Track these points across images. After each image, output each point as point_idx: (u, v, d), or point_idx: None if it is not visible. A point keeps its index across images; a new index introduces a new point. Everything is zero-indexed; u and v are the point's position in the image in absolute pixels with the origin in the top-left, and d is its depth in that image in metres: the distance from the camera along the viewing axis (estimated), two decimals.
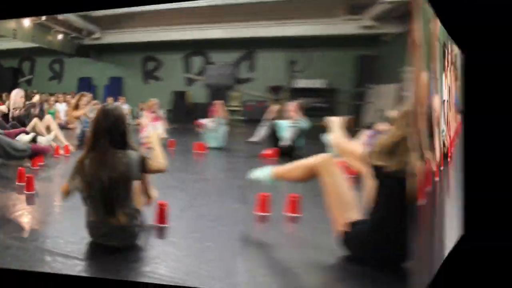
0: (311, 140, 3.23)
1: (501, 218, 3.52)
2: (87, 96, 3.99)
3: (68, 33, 3.94)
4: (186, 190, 3.46)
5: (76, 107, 4.01)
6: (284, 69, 3.73)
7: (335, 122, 2.82)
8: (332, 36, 3.52)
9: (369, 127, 3.15)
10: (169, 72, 3.99)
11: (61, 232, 2.77)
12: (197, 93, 4.02)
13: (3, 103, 4.06)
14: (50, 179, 3.90)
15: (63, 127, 4.09)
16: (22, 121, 4.00)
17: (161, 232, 2.75)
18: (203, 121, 4.08)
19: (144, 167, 2.58)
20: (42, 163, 3.95)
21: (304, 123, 3.83)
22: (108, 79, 4.03)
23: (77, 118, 3.99)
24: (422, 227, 2.92)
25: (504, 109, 3.71)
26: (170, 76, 3.99)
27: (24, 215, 3.22)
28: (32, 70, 4.03)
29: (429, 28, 3.66)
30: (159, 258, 2.39)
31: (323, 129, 2.90)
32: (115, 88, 4.03)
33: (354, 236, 2.43)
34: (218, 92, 3.93)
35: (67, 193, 2.61)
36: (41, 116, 4.00)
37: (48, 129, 3.96)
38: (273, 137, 3.92)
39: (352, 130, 3.02)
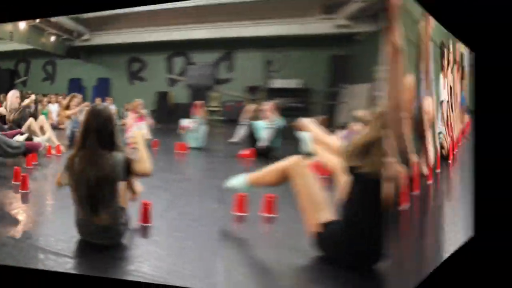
0: (287, 140, 3.23)
1: None
2: (78, 97, 4.08)
3: (60, 35, 4.02)
4: (169, 190, 3.53)
5: (67, 107, 4.11)
6: (261, 69, 3.72)
7: (309, 123, 2.84)
8: (307, 35, 3.50)
9: (343, 127, 3.13)
10: (153, 72, 4.04)
11: (53, 230, 2.88)
12: (179, 94, 4.06)
13: (1, 104, 4.18)
14: (43, 178, 4.00)
15: (55, 127, 4.19)
16: (18, 123, 4.12)
17: (144, 231, 2.83)
18: (185, 122, 4.13)
19: (129, 170, 2.66)
20: (35, 162, 4.04)
21: (280, 122, 3.83)
22: (97, 80, 4.11)
23: (68, 118, 4.08)
24: (406, 231, 2.88)
25: None
26: (154, 77, 4.03)
27: (19, 214, 3.33)
28: (27, 71, 4.14)
29: (417, 28, 3.58)
30: (142, 257, 2.49)
31: (298, 129, 2.91)
32: (103, 89, 4.10)
33: (327, 237, 2.44)
34: (199, 92, 3.96)
35: (60, 184, 2.71)
36: (36, 116, 4.11)
37: (42, 129, 4.06)
38: (251, 138, 3.94)
39: (326, 130, 3.00)
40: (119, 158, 2.66)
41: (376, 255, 2.41)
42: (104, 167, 2.66)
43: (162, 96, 4.10)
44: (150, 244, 2.81)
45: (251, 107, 3.96)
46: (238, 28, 3.71)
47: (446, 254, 3.00)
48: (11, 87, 4.21)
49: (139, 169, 2.69)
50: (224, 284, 2.23)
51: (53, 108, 4.24)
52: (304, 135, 2.86)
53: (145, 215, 2.94)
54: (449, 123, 4.77)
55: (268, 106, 3.87)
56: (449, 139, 4.65)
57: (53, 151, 4.13)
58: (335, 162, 2.65)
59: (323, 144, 2.82)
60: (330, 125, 2.93)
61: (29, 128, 4.09)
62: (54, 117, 4.24)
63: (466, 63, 5.86)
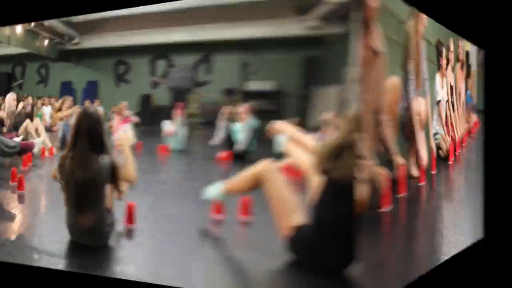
0: (262, 143, 3.25)
1: None
2: (69, 100, 4.21)
3: (53, 39, 4.12)
4: (152, 192, 3.59)
5: (60, 110, 4.24)
6: (237, 71, 3.74)
7: (283, 125, 2.86)
8: (280, 37, 3.48)
9: (315, 130, 3.11)
10: (137, 75, 4.10)
11: (46, 230, 3.01)
12: (162, 96, 4.11)
13: (0, 107, 4.32)
14: (37, 179, 4.13)
15: (48, 129, 4.31)
16: (15, 127, 4.25)
17: (129, 233, 2.99)
18: (167, 125, 4.20)
19: (114, 175, 2.75)
20: (30, 164, 4.17)
21: (255, 123, 3.85)
22: (86, 83, 4.19)
23: (61, 120, 4.20)
24: (388, 233, 2.85)
25: None
26: (139, 80, 4.09)
27: (16, 214, 3.47)
28: (23, 74, 4.25)
29: (404, 28, 3.51)
30: (127, 258, 2.67)
31: (271, 132, 2.93)
32: (92, 91, 4.19)
33: (298, 240, 2.46)
34: (180, 94, 3.99)
35: (56, 178, 2.88)
36: (32, 118, 4.23)
37: (37, 131, 4.18)
38: (228, 140, 3.97)
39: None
40: (106, 161, 2.76)
41: (347, 259, 2.40)
42: (91, 169, 2.77)
43: (146, 99, 4.16)
44: (134, 245, 2.91)
45: (227, 109, 4.00)
46: (215, 31, 3.73)
47: (444, 257, 2.95)
48: (9, 90, 4.34)
49: (124, 176, 2.80)
50: (201, 285, 2.33)
51: (47, 110, 4.36)
52: (278, 137, 2.87)
53: (129, 217, 3.04)
54: (449, 123, 4.66)
55: (243, 108, 3.91)
56: (449, 139, 4.54)
57: (46, 153, 4.25)
58: (308, 163, 2.64)
59: (300, 144, 2.82)
60: (303, 127, 2.91)
61: (25, 130, 4.21)
62: (47, 119, 4.36)
63: (474, 61, 5.70)
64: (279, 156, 2.90)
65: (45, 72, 4.31)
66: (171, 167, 4.39)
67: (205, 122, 4.14)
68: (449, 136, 4.59)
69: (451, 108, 4.77)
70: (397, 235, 2.95)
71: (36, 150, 4.13)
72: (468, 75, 5.67)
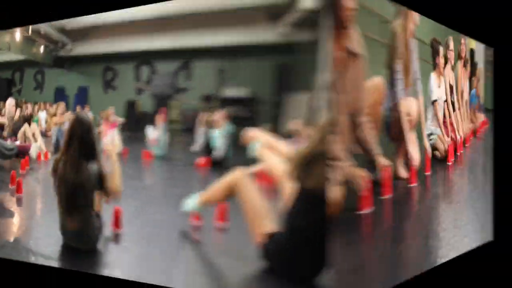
0: (238, 149, 3.28)
1: None
2: (62, 106, 4.34)
3: (48, 45, 4.23)
4: (138, 198, 3.67)
5: (55, 115, 4.36)
6: (214, 78, 3.77)
7: (257, 132, 2.88)
8: (254, 44, 3.49)
9: (287, 137, 3.12)
10: (124, 81, 4.17)
11: (42, 233, 3.13)
12: (146, 103, 4.17)
13: (0, 111, 4.46)
14: (35, 182, 4.25)
15: (43, 134, 4.44)
16: (14, 132, 4.40)
17: (116, 237, 3.09)
18: (150, 131, 4.29)
19: (101, 184, 2.85)
20: (28, 167, 4.29)
21: (230, 129, 3.88)
22: (77, 88, 4.29)
23: (55, 125, 4.32)
24: (368, 235, 2.83)
25: None
26: (125, 86, 4.16)
27: (15, 216, 3.61)
28: (22, 80, 4.39)
29: (390, 27, 3.46)
30: (114, 262, 2.78)
31: (245, 140, 2.96)
32: (83, 97, 4.29)
33: (271, 248, 2.47)
34: (162, 101, 4.05)
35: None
36: (29, 123, 4.37)
37: (34, 136, 4.31)
38: (206, 147, 4.01)
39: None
40: (94, 169, 2.85)
41: (320, 266, 2.40)
42: (81, 175, 2.88)
43: (131, 105, 4.23)
44: (121, 249, 3.00)
45: (203, 116, 4.04)
46: (194, 37, 3.77)
47: (441, 259, 2.91)
48: (8, 95, 4.50)
49: (110, 187, 2.89)
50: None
51: (42, 115, 4.49)
52: (252, 144, 2.89)
53: (116, 221, 3.12)
54: (447, 123, 4.56)
55: (219, 115, 3.93)
56: (447, 140, 4.45)
57: (42, 157, 4.37)
58: (281, 169, 2.66)
59: (274, 151, 2.83)
60: (276, 134, 2.92)
61: (24, 134, 4.34)
62: (43, 124, 4.49)
63: (481, 59, 5.56)
64: (254, 161, 2.93)
65: (41, 78, 4.44)
66: (154, 173, 4.49)
67: (185, 128, 4.20)
68: (447, 137, 4.50)
69: (450, 108, 4.67)
70: (379, 237, 2.91)
71: (33, 154, 4.26)
72: (473, 74, 5.53)
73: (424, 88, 4.22)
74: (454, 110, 4.76)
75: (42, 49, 4.32)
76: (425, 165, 3.97)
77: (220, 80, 3.74)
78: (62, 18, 3.82)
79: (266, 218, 2.51)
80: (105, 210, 3.10)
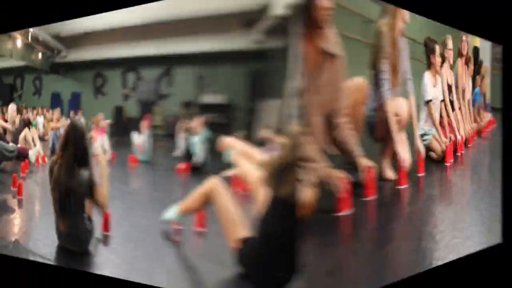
0: (215, 155, 3.35)
1: None
2: (57, 111, 4.50)
3: (45, 52, 4.37)
4: (125, 202, 3.78)
5: (52, 120, 4.52)
6: (194, 85, 3.82)
7: (231, 140, 2.95)
8: (229, 51, 3.53)
9: (260, 144, 3.15)
10: (112, 88, 4.27)
11: (41, 234, 3.26)
12: (132, 108, 4.26)
13: (4, 116, 4.63)
14: (34, 185, 4.40)
15: (41, 138, 4.59)
16: (16, 138, 4.56)
17: (105, 239, 3.24)
18: (135, 137, 4.40)
19: (90, 193, 2.96)
20: (28, 170, 4.45)
21: (207, 134, 3.92)
22: (71, 94, 4.42)
23: (52, 130, 4.47)
24: (347, 236, 2.83)
25: None
26: (114, 92, 4.26)
27: (16, 218, 3.77)
28: (22, 86, 4.54)
29: (376, 27, 3.42)
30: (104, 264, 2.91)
31: (221, 148, 3.03)
32: (76, 102, 4.41)
33: (245, 253, 2.50)
34: (146, 107, 4.13)
35: None
36: (29, 127, 4.52)
37: (33, 140, 4.46)
38: (187, 153, 4.12)
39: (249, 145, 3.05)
40: (85, 177, 2.97)
41: (292, 271, 2.42)
42: (73, 180, 3.00)
43: (118, 111, 4.34)
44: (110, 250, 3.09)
45: (183, 122, 4.12)
46: (174, 44, 3.84)
47: (437, 261, 2.88)
48: (10, 100, 4.68)
49: (97, 199, 3.00)
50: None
51: (40, 120, 4.64)
52: (227, 152, 2.97)
53: (106, 224, 3.23)
54: (445, 123, 4.48)
55: (198, 121, 4.03)
56: (445, 140, 4.37)
57: (40, 161, 4.52)
58: (255, 176, 2.70)
59: (249, 158, 2.88)
60: (250, 140, 2.97)
61: (24, 138, 4.50)
62: (41, 128, 4.64)
63: (487, 57, 5.43)
64: (231, 166, 2.99)
65: (39, 84, 4.60)
66: (139, 178, 4.62)
67: (167, 134, 4.30)
68: (445, 137, 4.41)
69: (449, 108, 4.58)
70: (362, 239, 2.90)
71: (32, 158, 4.42)
72: (477, 72, 5.41)
73: (417, 88, 4.15)
74: (453, 109, 4.67)
75: (40, 55, 4.47)
76: (418, 166, 3.91)
77: (199, 86, 3.80)
78: (57, 21, 3.94)
79: (239, 224, 2.57)
80: (95, 213, 3.23)
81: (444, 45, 4.55)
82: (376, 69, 3.57)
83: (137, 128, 4.38)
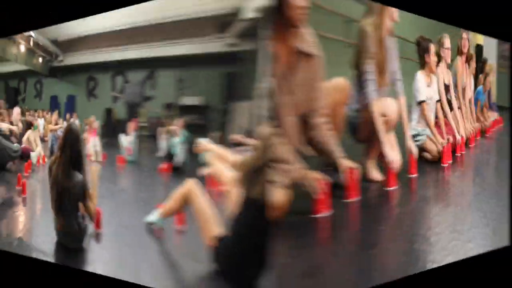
0: (193, 156, 3.43)
1: None
2: (55, 114, 4.68)
3: (45, 57, 4.53)
4: (113, 200, 3.89)
5: (51, 123, 4.69)
6: (174, 87, 3.92)
7: (207, 143, 3.03)
8: (205, 54, 3.61)
9: (234, 145, 3.20)
10: (103, 90, 4.40)
11: (41, 231, 3.41)
12: (120, 110, 4.39)
13: (10, 118, 4.82)
14: (36, 184, 4.56)
15: (41, 139, 4.76)
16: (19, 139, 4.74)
17: (97, 237, 3.38)
18: (122, 138, 4.52)
19: (83, 196, 3.10)
20: (30, 170, 4.62)
21: (186, 135, 4.00)
22: (67, 97, 4.57)
23: (51, 131, 4.63)
24: (325, 238, 2.85)
25: None
26: (104, 95, 4.39)
27: (20, 216, 3.94)
28: (25, 89, 4.73)
29: (359, 26, 3.39)
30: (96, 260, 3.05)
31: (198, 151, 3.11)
32: (71, 105, 4.56)
33: (219, 251, 2.56)
34: (133, 109, 4.24)
35: None
36: (31, 129, 4.70)
37: (35, 141, 4.63)
38: (168, 153, 4.23)
39: (223, 147, 3.12)
40: (79, 180, 3.10)
41: (261, 270, 2.47)
42: (69, 180, 3.13)
43: (108, 113, 4.47)
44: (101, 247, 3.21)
45: (164, 123, 4.23)
46: (157, 48, 3.95)
47: (432, 264, 2.86)
48: (15, 103, 4.88)
49: (87, 204, 3.12)
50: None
51: (41, 122, 4.82)
52: (204, 155, 3.06)
53: (97, 222, 3.35)
54: (441, 123, 4.41)
55: (178, 123, 4.13)
56: (442, 141, 4.30)
57: (40, 161, 4.69)
58: (229, 176, 2.76)
59: (223, 160, 2.94)
60: (223, 141, 3.04)
61: (27, 139, 4.68)
62: (41, 130, 4.81)
63: (493, 55, 5.32)
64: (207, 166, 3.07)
65: (40, 87, 4.78)
66: (126, 178, 4.76)
67: (150, 135, 4.43)
68: (442, 138, 4.34)
69: (446, 107, 4.51)
70: (343, 241, 2.89)
71: (34, 160, 4.60)
72: (480, 70, 5.29)
73: (409, 87, 4.09)
74: (451, 109, 4.59)
75: (40, 60, 4.66)
76: (410, 167, 3.85)
77: (180, 89, 3.91)
78: (53, 24, 4.08)
79: (214, 223, 2.66)
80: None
81: (440, 44, 4.47)
82: (360, 70, 3.51)
83: (124, 130, 4.53)
